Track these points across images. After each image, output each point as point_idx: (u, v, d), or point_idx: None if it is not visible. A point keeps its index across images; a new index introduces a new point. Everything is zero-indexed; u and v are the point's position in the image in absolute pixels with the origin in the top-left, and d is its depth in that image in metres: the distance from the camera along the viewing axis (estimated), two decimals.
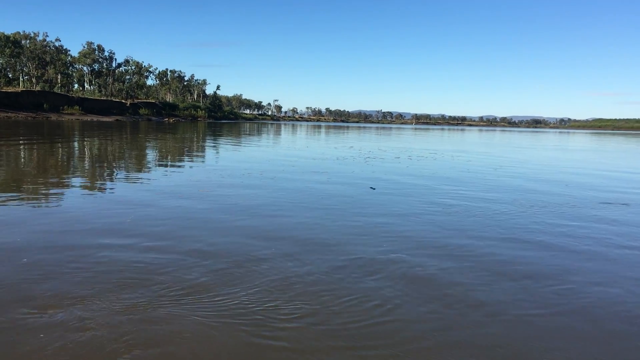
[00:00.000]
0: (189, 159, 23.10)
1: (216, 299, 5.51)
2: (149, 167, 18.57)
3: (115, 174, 16.15)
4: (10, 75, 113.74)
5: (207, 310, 5.21)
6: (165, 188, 13.10)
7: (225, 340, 4.61)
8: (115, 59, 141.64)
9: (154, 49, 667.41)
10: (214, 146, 33.53)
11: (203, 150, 29.42)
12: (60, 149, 25.68)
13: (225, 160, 23.14)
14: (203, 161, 22.42)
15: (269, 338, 4.69)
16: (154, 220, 9.19)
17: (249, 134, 59.19)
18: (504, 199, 13.00)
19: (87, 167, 17.99)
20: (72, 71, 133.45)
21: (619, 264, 7.53)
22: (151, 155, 25.21)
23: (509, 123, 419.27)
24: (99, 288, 5.70)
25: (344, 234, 8.57)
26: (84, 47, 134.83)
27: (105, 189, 12.94)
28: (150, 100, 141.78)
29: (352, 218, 9.92)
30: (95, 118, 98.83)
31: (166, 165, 19.74)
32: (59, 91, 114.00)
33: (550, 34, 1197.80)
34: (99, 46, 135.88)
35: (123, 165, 19.25)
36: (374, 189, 13.92)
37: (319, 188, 13.87)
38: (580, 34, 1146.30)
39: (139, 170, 17.44)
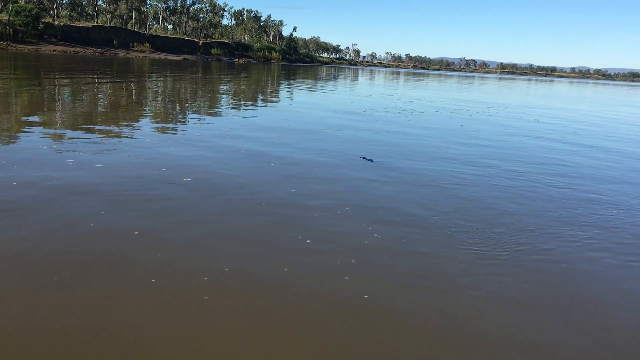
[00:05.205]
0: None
1: None
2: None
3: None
4: (89, 11, 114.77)
5: None
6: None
7: None
8: None
9: None
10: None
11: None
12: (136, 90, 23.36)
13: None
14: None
15: None
16: None
17: (308, 80, 55.53)
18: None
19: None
20: (146, 8, 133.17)
21: None
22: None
23: (603, 75, 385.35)
24: None
25: None
26: None
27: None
28: (223, 40, 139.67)
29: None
30: (163, 56, 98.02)
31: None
32: (132, 28, 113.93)
33: None
34: None
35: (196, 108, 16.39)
36: (371, 160, 10.21)
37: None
38: None
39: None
